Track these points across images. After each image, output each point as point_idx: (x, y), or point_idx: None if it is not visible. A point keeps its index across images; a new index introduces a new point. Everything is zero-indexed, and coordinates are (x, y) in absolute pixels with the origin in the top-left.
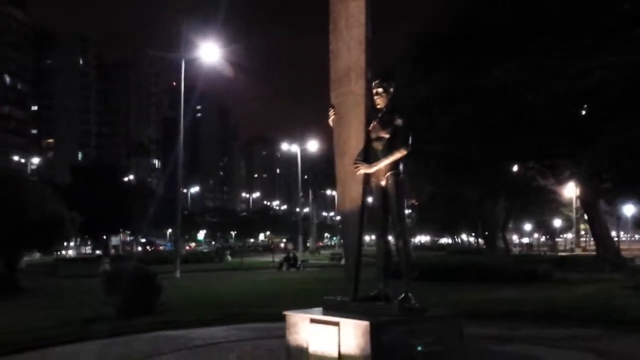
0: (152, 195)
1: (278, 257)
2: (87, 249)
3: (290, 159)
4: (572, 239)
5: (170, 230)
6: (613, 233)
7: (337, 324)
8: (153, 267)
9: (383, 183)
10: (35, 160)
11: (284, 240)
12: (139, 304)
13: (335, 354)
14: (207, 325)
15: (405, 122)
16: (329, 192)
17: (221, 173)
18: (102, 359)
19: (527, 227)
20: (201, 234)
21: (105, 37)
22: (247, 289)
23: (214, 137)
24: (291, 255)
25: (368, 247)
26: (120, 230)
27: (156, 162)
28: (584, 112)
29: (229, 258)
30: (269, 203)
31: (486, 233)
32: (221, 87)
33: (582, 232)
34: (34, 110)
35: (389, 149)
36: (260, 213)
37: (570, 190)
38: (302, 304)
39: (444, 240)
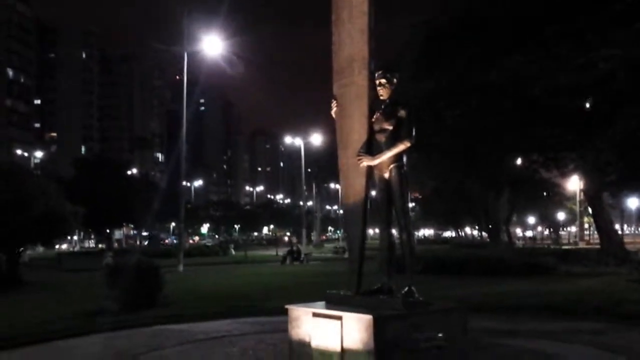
0: (156, 189)
1: (282, 251)
2: (91, 243)
3: (294, 152)
4: (576, 232)
5: (173, 224)
6: (617, 226)
7: (340, 318)
8: (156, 261)
9: (386, 175)
10: (39, 154)
11: (288, 233)
12: (142, 297)
13: (338, 349)
14: (211, 319)
15: (408, 113)
16: (332, 185)
17: (225, 166)
18: (103, 352)
19: (531, 220)
20: (205, 228)
21: (109, 31)
22: (250, 283)
23: (218, 131)
24: (295, 248)
25: (372, 240)
26: (124, 224)
27: (159, 155)
28: (588, 105)
29: (233, 252)
30: (272, 196)
31: (490, 226)
32: (225, 81)
33: (586, 225)
34: (37, 104)
35: (392, 141)
36: (264, 206)
37: (574, 184)
38: (306, 297)
39: (448, 234)
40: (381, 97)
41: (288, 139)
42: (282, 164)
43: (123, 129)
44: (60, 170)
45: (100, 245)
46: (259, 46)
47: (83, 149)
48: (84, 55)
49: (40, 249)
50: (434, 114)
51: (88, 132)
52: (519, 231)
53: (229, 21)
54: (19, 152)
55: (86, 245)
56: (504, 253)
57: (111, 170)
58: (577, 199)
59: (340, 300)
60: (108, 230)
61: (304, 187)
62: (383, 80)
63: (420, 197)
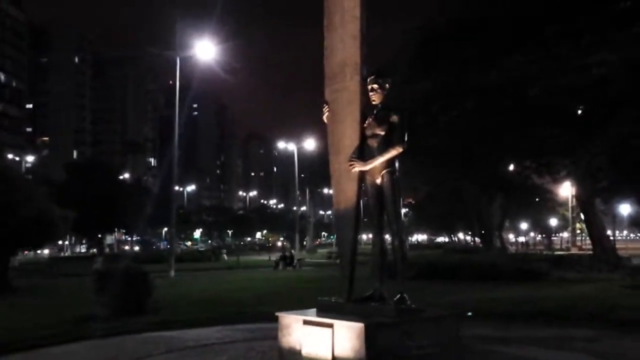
0: (148, 193)
1: (274, 256)
2: (82, 248)
3: (288, 157)
4: (568, 237)
5: (165, 229)
6: (609, 232)
7: (331, 325)
8: (147, 266)
9: (378, 181)
10: (30, 158)
11: (281, 238)
12: (131, 303)
13: (329, 357)
14: (201, 326)
15: (401, 119)
16: (326, 190)
17: (218, 171)
18: None
19: (524, 226)
20: (197, 233)
21: (102, 35)
22: (242, 288)
23: (211, 136)
24: (287, 254)
25: (365, 245)
26: (115, 229)
27: (152, 160)
28: (581, 109)
29: (225, 257)
30: (266, 201)
31: (483, 232)
32: (218, 85)
33: (578, 231)
34: (29, 108)
35: (384, 146)
36: (257, 211)
37: (567, 190)
38: (297, 304)
39: (441, 239)
40: (373, 102)
41: (282, 144)
42: (275, 169)
43: (116, 132)
44: (52, 174)
45: (91, 250)
46: (254, 48)
47: (75, 153)
48: (77, 59)
49: (32, 254)
50: (430, 116)
51: (80, 136)
52: (511, 237)
53: (223, 23)
54: (10, 156)
55: (77, 250)
56: (497, 258)
57: (103, 174)
58: (570, 205)
59: (331, 307)
60: (99, 235)
61: (298, 192)
62: (375, 86)
63: (413, 202)
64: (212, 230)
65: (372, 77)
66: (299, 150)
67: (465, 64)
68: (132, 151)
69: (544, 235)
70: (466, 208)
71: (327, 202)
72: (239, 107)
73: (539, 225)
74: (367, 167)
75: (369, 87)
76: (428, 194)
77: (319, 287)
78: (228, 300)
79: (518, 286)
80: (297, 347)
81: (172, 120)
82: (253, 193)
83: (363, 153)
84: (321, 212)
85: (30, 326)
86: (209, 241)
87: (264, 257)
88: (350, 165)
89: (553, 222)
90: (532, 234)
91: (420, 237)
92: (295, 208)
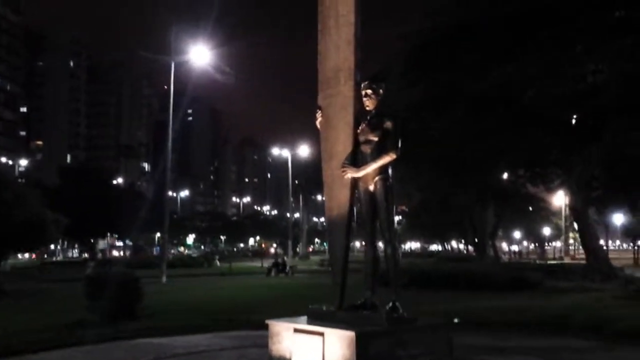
0: (141, 198)
1: (267, 263)
2: (75, 252)
3: (282, 163)
4: (561, 247)
5: (158, 234)
6: (602, 242)
7: (321, 334)
8: (139, 272)
9: (371, 188)
10: (24, 162)
11: (274, 245)
12: (120, 309)
13: None
14: (191, 333)
15: (395, 125)
16: (319, 197)
17: (212, 177)
18: None
19: (517, 234)
20: (190, 239)
21: (97, 39)
22: (233, 295)
23: (205, 141)
24: (280, 260)
25: (358, 253)
26: (108, 233)
27: (146, 165)
28: (575, 118)
29: (218, 263)
30: (259, 208)
31: (476, 240)
32: (213, 90)
33: (571, 241)
34: (24, 112)
35: (377, 153)
36: (250, 218)
37: (560, 199)
38: (289, 311)
39: (434, 247)
40: (367, 108)
41: (276, 150)
42: (269, 175)
43: (110, 137)
44: (46, 179)
45: (84, 255)
46: (250, 53)
47: (69, 157)
48: (71, 64)
49: (26, 257)
50: (423, 123)
51: (74, 140)
52: (504, 245)
53: (219, 28)
54: (3, 160)
55: (69, 254)
56: (490, 267)
57: (96, 179)
58: (563, 214)
59: (322, 315)
60: (92, 240)
61: (291, 199)
62: (369, 91)
63: (406, 210)
64: (206, 236)
65: (366, 82)
66: (293, 156)
67: (459, 72)
68: (126, 156)
69: (537, 244)
70: (459, 216)
71: (320, 209)
72: (235, 109)
73: (532, 234)
74: (360, 174)
75: (363, 92)
76: (422, 201)
77: (311, 295)
78: (219, 306)
79: (511, 295)
80: (287, 356)
81: (166, 126)
82: (247, 199)
83: (356, 159)
84: (315, 219)
85: (20, 331)
86: (202, 247)
87: (257, 263)
88: (343, 171)
89: (546, 231)
90: (525, 243)
91: (413, 245)
92: (288, 215)
